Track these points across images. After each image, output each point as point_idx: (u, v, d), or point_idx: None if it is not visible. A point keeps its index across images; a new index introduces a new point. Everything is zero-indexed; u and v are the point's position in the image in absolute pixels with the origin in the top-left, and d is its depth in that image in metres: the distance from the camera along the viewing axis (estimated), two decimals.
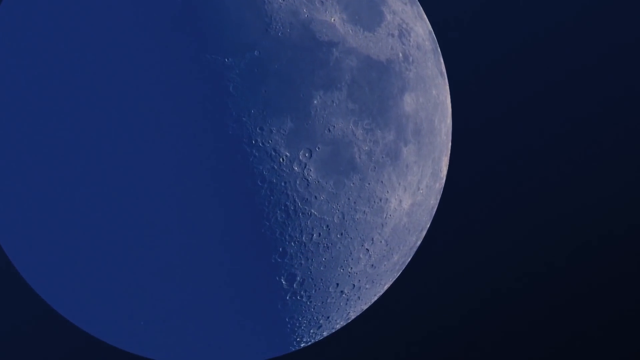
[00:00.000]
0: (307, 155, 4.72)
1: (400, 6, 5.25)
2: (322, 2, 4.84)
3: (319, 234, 4.88)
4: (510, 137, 8.85)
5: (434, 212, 5.73)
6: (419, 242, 5.70)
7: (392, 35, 5.09)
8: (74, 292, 5.11)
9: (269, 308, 5.05)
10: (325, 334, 5.63)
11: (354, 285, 5.26)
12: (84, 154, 4.62)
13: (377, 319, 7.79)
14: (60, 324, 5.78)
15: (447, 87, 5.68)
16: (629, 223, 8.76)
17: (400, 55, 5.10)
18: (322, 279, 5.07)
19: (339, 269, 5.08)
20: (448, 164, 5.71)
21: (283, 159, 4.68)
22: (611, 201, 8.84)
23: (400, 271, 5.72)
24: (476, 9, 9.00)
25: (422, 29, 5.42)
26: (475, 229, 8.62)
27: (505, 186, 8.78)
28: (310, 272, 5.00)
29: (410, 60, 5.17)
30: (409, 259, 5.72)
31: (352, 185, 4.86)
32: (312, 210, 4.80)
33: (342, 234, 4.95)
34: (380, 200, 5.02)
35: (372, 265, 5.26)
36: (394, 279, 5.73)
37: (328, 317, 5.40)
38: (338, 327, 5.68)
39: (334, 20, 4.82)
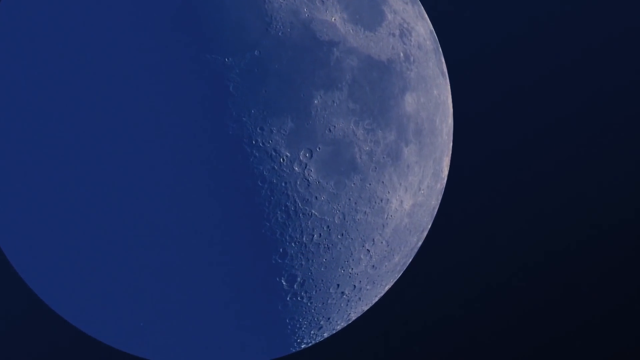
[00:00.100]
0: (307, 155, 4.71)
1: (402, 5, 5.25)
2: (323, 1, 4.84)
3: (320, 234, 4.88)
4: (512, 137, 8.84)
5: (435, 213, 5.72)
6: (420, 243, 5.70)
7: (393, 35, 5.09)
8: (73, 292, 5.10)
9: (269, 309, 5.05)
10: (326, 335, 5.63)
11: (354, 286, 5.26)
12: (83, 154, 4.61)
13: (378, 320, 7.79)
14: (60, 324, 5.77)
15: (449, 87, 5.68)
16: (626, 218, 8.76)
17: (401, 55, 5.10)
18: (322, 280, 5.07)
19: (339, 269, 5.08)
20: (449, 164, 5.71)
21: (283, 159, 4.67)
22: (616, 201, 8.84)
23: (402, 272, 5.71)
24: (477, 9, 9.00)
25: (423, 28, 5.41)
26: (476, 229, 8.62)
27: (506, 187, 8.78)
28: (311, 272, 4.99)
29: (412, 60, 5.17)
30: (410, 260, 5.72)
31: (352, 185, 4.86)
32: (313, 211, 4.80)
33: (342, 235, 4.94)
34: (381, 200, 5.01)
35: (373, 266, 5.26)
36: (395, 280, 5.73)
37: (329, 318, 5.40)
38: (339, 328, 5.68)
39: (335, 19, 4.81)
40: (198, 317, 5.03)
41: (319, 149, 4.72)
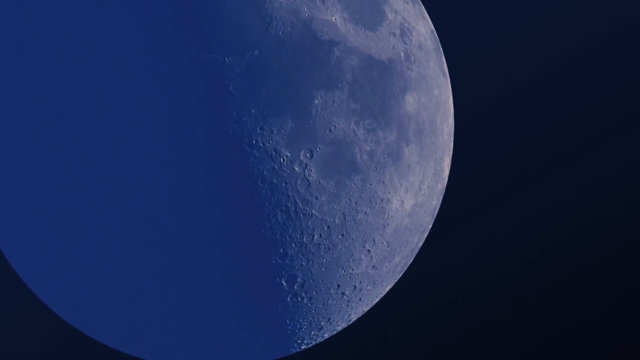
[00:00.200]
0: (308, 155, 4.70)
1: (402, 5, 5.24)
2: (323, 1, 4.83)
3: (320, 235, 4.87)
4: (513, 137, 8.84)
5: (436, 213, 5.72)
6: (420, 243, 5.69)
7: (394, 35, 5.08)
8: (72, 293, 5.10)
9: (270, 310, 5.04)
10: (326, 335, 5.63)
11: (355, 286, 5.25)
12: (82, 154, 4.61)
13: (379, 321, 7.78)
14: (60, 325, 5.77)
15: (449, 86, 5.67)
16: (624, 215, 8.75)
17: (402, 54, 5.09)
18: (323, 281, 5.06)
19: (340, 270, 5.07)
20: (450, 164, 5.70)
21: (284, 159, 4.67)
22: (616, 201, 8.83)
23: (402, 272, 5.71)
24: (478, 9, 8.99)
25: (424, 28, 5.41)
26: (477, 230, 8.61)
27: (507, 187, 8.77)
28: (311, 273, 4.99)
29: (412, 59, 5.16)
30: (411, 260, 5.72)
31: (353, 185, 4.85)
32: (313, 211, 4.79)
33: (343, 235, 4.94)
34: (382, 201, 5.01)
35: (374, 266, 5.25)
36: (396, 281, 5.72)
37: (329, 319, 5.39)
38: (339, 328, 5.68)
39: (335, 19, 4.80)
40: (198, 317, 5.02)
41: (320, 149, 4.72)
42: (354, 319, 5.72)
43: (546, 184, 8.80)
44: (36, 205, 4.81)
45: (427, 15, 5.63)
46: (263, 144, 4.63)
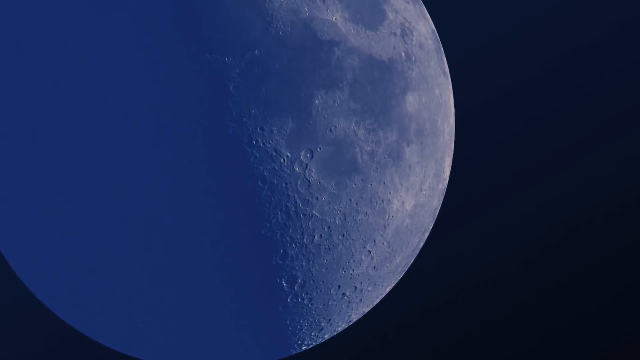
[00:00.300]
0: (308, 155, 4.70)
1: (403, 5, 5.23)
2: (324, 0, 4.82)
3: (321, 235, 4.87)
4: (514, 137, 8.83)
5: (437, 214, 5.71)
6: (421, 244, 5.69)
7: (395, 34, 5.07)
8: (72, 293, 5.09)
9: (270, 310, 5.04)
10: (326, 336, 5.62)
11: (355, 287, 5.25)
12: (82, 154, 4.60)
13: (379, 322, 7.77)
14: (59, 325, 5.76)
15: (450, 86, 5.67)
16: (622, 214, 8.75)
17: (403, 54, 5.08)
18: (323, 281, 5.06)
19: (340, 270, 5.07)
20: (451, 164, 5.69)
21: (284, 160, 4.66)
22: (617, 202, 8.83)
23: (403, 273, 5.70)
24: (479, 8, 8.98)
25: (424, 27, 5.40)
26: (478, 230, 8.60)
27: (508, 187, 8.76)
28: (312, 274, 4.98)
29: (413, 59, 5.15)
30: (412, 261, 5.71)
31: (353, 186, 4.84)
32: (314, 212, 4.78)
33: (343, 236, 4.93)
34: (383, 201, 5.00)
35: (374, 267, 5.24)
36: (396, 281, 5.72)
37: (329, 320, 5.39)
38: (340, 329, 5.67)
39: (336, 18, 4.80)
40: (198, 318, 5.02)
41: (320, 149, 4.71)
42: (355, 320, 5.72)
43: (547, 184, 8.80)
44: (35, 205, 4.80)
45: (427, 15, 5.62)
46: (263, 144, 4.62)
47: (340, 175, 4.79)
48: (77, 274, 4.92)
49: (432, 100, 5.29)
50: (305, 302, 5.10)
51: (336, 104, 4.73)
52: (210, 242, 4.70)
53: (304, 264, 4.92)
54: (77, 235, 4.76)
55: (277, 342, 5.34)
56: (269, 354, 5.47)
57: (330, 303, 5.22)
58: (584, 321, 8.59)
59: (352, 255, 5.04)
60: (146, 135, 4.53)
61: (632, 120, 8.95)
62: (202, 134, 4.54)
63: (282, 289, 4.97)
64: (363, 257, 5.11)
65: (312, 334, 5.42)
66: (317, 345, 5.68)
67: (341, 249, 4.97)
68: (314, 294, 5.09)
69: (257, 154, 4.62)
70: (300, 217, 4.78)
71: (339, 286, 5.16)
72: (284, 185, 4.70)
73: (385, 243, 5.18)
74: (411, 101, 5.09)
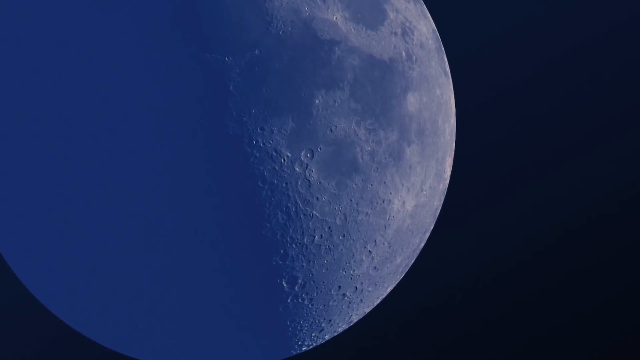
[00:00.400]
0: (308, 155, 4.69)
1: (404, 4, 5.23)
2: (324, 0, 4.82)
3: (321, 235, 4.86)
4: (515, 137, 8.82)
5: (438, 214, 5.70)
6: (422, 244, 5.68)
7: (395, 34, 5.06)
8: (72, 294, 5.09)
9: (270, 311, 5.03)
10: (327, 337, 5.62)
11: (356, 287, 5.24)
12: (81, 153, 4.60)
13: (380, 322, 7.76)
14: (59, 326, 5.75)
15: (451, 86, 5.66)
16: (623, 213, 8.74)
17: (404, 54, 5.08)
18: (324, 282, 5.05)
19: (341, 271, 5.06)
20: (452, 164, 5.69)
21: (284, 160, 4.65)
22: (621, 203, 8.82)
23: (404, 274, 5.70)
24: (480, 8, 8.97)
25: (425, 27, 5.39)
26: (479, 230, 8.59)
27: (510, 187, 8.75)
28: (312, 274, 4.97)
29: (414, 59, 5.15)
30: (412, 261, 5.70)
31: (354, 186, 4.83)
32: (314, 212, 4.78)
33: (344, 236, 4.92)
34: (383, 201, 4.99)
35: (375, 267, 5.23)
36: (397, 282, 5.71)
37: (330, 320, 5.38)
38: (340, 330, 5.67)
39: (336, 18, 4.79)
40: (198, 319, 5.01)
41: (320, 149, 4.70)
42: (355, 320, 5.71)
43: (548, 184, 8.79)
44: (35, 205, 4.80)
45: (428, 15, 5.61)
46: (263, 144, 4.61)
47: (341, 175, 4.78)
48: (76, 275, 4.92)
49: (433, 100, 5.29)
50: (305, 302, 5.10)
51: (337, 104, 4.72)
52: (211, 242, 4.70)
53: (304, 264, 4.91)
54: (76, 236, 4.76)
55: (277, 343, 5.33)
56: (269, 354, 5.46)
57: (330, 303, 5.22)
58: (585, 321, 8.58)
59: (353, 255, 5.04)
60: (146, 135, 4.53)
61: (632, 119, 8.94)
62: (202, 134, 4.54)
63: (283, 290, 4.97)
64: (364, 258, 5.11)
65: (313, 334, 5.42)
66: (317, 346, 5.68)
67: (342, 250, 4.97)
68: (315, 294, 5.08)
69: (258, 154, 4.61)
70: (300, 217, 4.77)
71: (340, 287, 5.15)
72: (284, 185, 4.69)
73: (385, 243, 5.17)
74: (412, 101, 5.08)
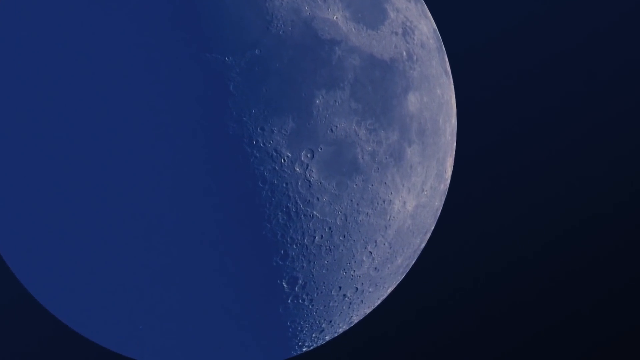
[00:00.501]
0: (309, 155, 4.68)
1: (404, 4, 5.22)
2: None
3: (321, 236, 4.85)
4: (517, 137, 8.81)
5: (439, 214, 5.70)
6: (423, 245, 5.67)
7: (396, 34, 5.05)
8: (72, 295, 5.09)
9: (270, 312, 5.02)
10: (327, 338, 5.61)
11: (356, 288, 5.23)
12: (81, 153, 4.59)
13: (381, 323, 7.76)
14: (58, 327, 5.75)
15: (452, 86, 5.65)
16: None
17: (404, 53, 5.07)
18: (324, 282, 5.04)
19: (341, 271, 5.05)
20: (453, 164, 5.68)
21: (284, 160, 4.64)
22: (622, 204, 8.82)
23: (404, 274, 5.69)
24: (481, 7, 8.97)
25: (426, 27, 5.38)
26: (480, 231, 8.58)
27: (511, 187, 8.74)
28: (312, 275, 4.96)
29: (415, 59, 5.14)
30: (413, 262, 5.70)
31: (355, 186, 4.82)
32: (314, 212, 4.77)
33: (344, 236, 4.91)
34: (384, 201, 4.98)
35: (376, 268, 5.22)
36: (398, 282, 5.70)
37: (330, 321, 5.37)
38: (341, 331, 5.66)
39: (337, 18, 4.78)
40: (198, 319, 5.01)
41: (321, 149, 4.69)
42: (356, 321, 5.70)
43: (550, 184, 8.78)
44: (34, 205, 4.79)
45: (429, 14, 5.61)
46: (264, 144, 4.61)
47: (341, 175, 4.78)
48: (76, 275, 4.91)
49: (434, 100, 5.28)
50: (306, 303, 5.09)
51: (337, 104, 4.71)
52: (211, 242, 4.69)
53: (304, 264, 4.91)
54: (76, 236, 4.75)
55: (277, 344, 5.33)
56: (270, 355, 5.45)
57: (331, 304, 5.21)
58: (585, 321, 8.57)
59: (353, 256, 5.03)
60: (146, 135, 4.52)
61: (632, 118, 8.93)
62: (202, 134, 4.53)
63: (283, 290, 4.96)
64: (364, 258, 5.10)
65: (313, 335, 5.41)
66: (317, 347, 5.67)
67: (342, 250, 4.96)
68: (315, 295, 5.07)
69: (258, 154, 4.61)
70: (300, 217, 4.76)
71: (340, 287, 5.14)
72: (284, 185, 4.69)
73: (386, 244, 5.16)
74: (413, 101, 5.07)
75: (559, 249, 8.71)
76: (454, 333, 8.44)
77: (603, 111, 8.97)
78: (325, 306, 5.19)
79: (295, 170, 4.68)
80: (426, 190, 5.30)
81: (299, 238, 4.82)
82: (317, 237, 4.85)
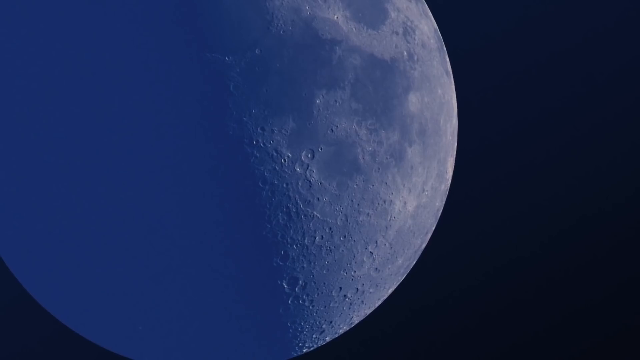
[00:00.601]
0: (309, 156, 4.67)
1: (405, 3, 5.21)
2: None
3: (322, 236, 4.84)
4: (518, 137, 8.81)
5: (440, 215, 5.69)
6: (424, 245, 5.66)
7: (397, 33, 5.04)
8: (72, 296, 5.08)
9: (270, 312, 5.02)
10: (328, 339, 5.60)
11: (357, 289, 5.22)
12: (81, 154, 4.58)
13: (381, 324, 7.75)
14: (57, 327, 5.74)
15: (453, 86, 5.64)
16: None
17: (405, 53, 5.06)
18: (324, 283, 5.03)
19: (342, 272, 5.04)
20: (454, 165, 5.67)
21: (285, 160, 4.64)
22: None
23: (405, 275, 5.68)
24: (482, 7, 8.96)
25: (427, 26, 5.37)
26: (481, 231, 8.57)
27: (512, 187, 8.74)
28: (313, 275, 4.96)
29: (415, 58, 5.13)
30: (414, 262, 5.69)
31: (355, 186, 4.81)
32: (315, 213, 4.76)
33: (345, 237, 4.91)
34: (385, 202, 4.97)
35: (376, 268, 5.22)
36: (399, 283, 5.70)
37: (331, 322, 5.36)
38: (341, 331, 5.65)
39: (337, 17, 4.77)
40: (198, 320, 5.00)
41: (321, 149, 4.69)
42: (356, 322, 5.70)
43: (552, 185, 8.77)
44: (34, 205, 4.78)
45: (430, 14, 5.60)
46: (264, 144, 4.60)
47: (342, 175, 4.77)
48: (76, 275, 4.90)
49: (435, 100, 5.27)
50: (306, 304, 5.08)
51: (337, 104, 4.71)
52: (210, 243, 4.68)
53: (305, 265, 4.90)
54: (76, 236, 4.75)
55: (278, 345, 5.32)
56: (270, 356, 5.44)
57: (331, 305, 5.20)
58: (584, 320, 8.57)
59: (354, 256, 5.02)
60: (145, 135, 4.51)
61: (632, 118, 8.93)
62: (203, 134, 4.52)
63: (283, 291, 4.95)
64: (365, 259, 5.09)
65: (314, 336, 5.40)
66: (318, 348, 5.67)
67: (343, 250, 4.95)
68: (315, 295, 5.06)
69: (258, 154, 4.60)
70: (301, 218, 4.75)
71: (341, 288, 5.13)
72: (284, 185, 4.68)
73: (387, 244, 5.15)
74: (413, 101, 5.06)
75: (561, 250, 8.70)
76: (455, 334, 8.43)
77: (604, 111, 8.97)
78: (325, 307, 5.18)
79: (295, 170, 4.67)
80: (427, 191, 5.29)
81: (300, 238, 4.81)
82: (317, 238, 4.84)
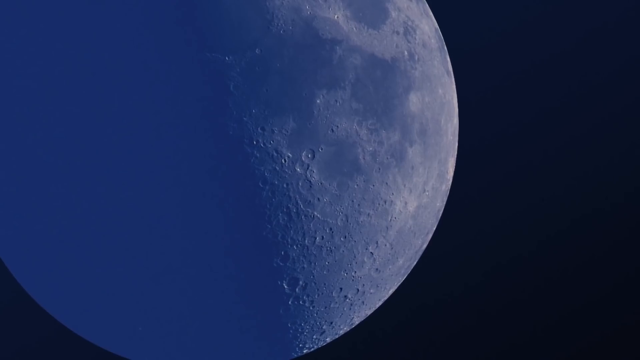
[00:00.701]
0: (309, 156, 4.67)
1: (406, 3, 5.20)
2: None
3: (322, 237, 4.83)
4: (519, 138, 8.80)
5: (440, 215, 5.68)
6: (424, 246, 5.66)
7: (397, 33, 5.04)
8: (72, 296, 5.08)
9: (271, 313, 5.01)
10: (328, 339, 5.60)
11: (358, 289, 5.22)
12: (80, 154, 4.58)
13: (382, 324, 7.74)
14: (57, 328, 5.74)
15: (454, 86, 5.64)
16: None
17: (406, 53, 5.05)
18: (325, 284, 5.03)
19: (342, 273, 5.04)
20: (454, 165, 5.67)
21: (285, 160, 4.63)
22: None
23: (406, 275, 5.68)
24: (483, 7, 8.96)
25: (428, 26, 5.37)
26: (482, 231, 8.57)
27: (513, 188, 8.73)
28: (313, 276, 4.95)
29: (416, 58, 5.12)
30: (415, 263, 5.69)
31: (356, 187, 4.81)
32: (315, 213, 4.75)
33: (345, 237, 4.90)
34: (385, 202, 4.97)
35: (377, 269, 5.21)
36: (399, 284, 5.69)
37: (331, 323, 5.36)
38: (342, 332, 5.65)
39: (337, 17, 4.76)
40: (198, 321, 5.00)
41: (322, 149, 4.68)
42: (357, 323, 5.69)
43: (553, 185, 8.77)
44: (33, 205, 4.78)
45: (431, 13, 5.59)
46: (264, 144, 4.59)
47: (342, 175, 4.76)
48: (75, 276, 4.90)
49: (436, 99, 5.26)
50: (306, 304, 5.07)
51: (338, 104, 4.70)
52: (211, 244, 4.68)
53: (305, 266, 4.89)
54: (75, 236, 4.74)
55: (278, 345, 5.32)
56: (270, 357, 5.44)
57: (332, 305, 5.20)
58: (584, 320, 8.57)
59: (354, 257, 5.02)
60: (145, 135, 4.51)
61: (632, 117, 8.93)
62: (203, 134, 4.51)
63: (283, 292, 4.95)
64: (365, 259, 5.08)
65: (314, 337, 5.40)
66: (318, 349, 5.66)
67: (343, 251, 4.94)
68: (316, 296, 5.06)
69: (258, 155, 4.59)
70: (301, 218, 4.75)
71: (341, 288, 5.13)
72: (285, 186, 4.67)
73: (387, 245, 5.14)
74: (414, 101, 5.05)
75: (560, 249, 8.70)
76: (455, 334, 8.43)
77: (603, 111, 8.97)
78: (326, 307, 5.18)
79: (296, 170, 4.67)
80: (428, 191, 5.29)
81: (300, 239, 4.81)
82: (317, 238, 4.84)
